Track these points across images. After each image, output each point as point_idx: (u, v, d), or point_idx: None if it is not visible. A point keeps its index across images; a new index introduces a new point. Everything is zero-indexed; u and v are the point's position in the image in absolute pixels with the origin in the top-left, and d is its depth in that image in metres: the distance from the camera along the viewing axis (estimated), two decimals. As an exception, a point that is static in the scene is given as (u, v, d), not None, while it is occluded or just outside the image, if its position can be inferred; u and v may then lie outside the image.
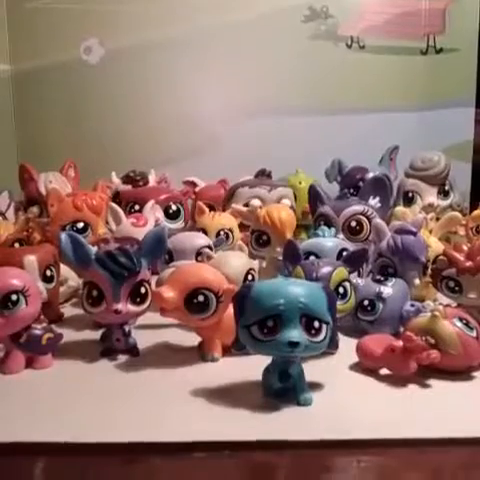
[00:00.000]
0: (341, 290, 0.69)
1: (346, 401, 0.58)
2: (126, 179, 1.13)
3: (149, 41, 1.32)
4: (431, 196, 1.07)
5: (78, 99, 1.33)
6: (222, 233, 0.93)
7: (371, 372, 0.63)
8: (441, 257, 0.75)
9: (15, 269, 0.67)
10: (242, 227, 0.96)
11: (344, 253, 0.76)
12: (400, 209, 0.93)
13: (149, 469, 0.49)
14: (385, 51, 1.35)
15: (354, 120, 1.34)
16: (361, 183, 1.02)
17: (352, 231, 0.89)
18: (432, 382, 0.60)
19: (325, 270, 0.68)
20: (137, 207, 1.00)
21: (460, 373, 0.61)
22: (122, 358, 0.69)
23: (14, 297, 0.63)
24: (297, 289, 0.56)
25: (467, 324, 0.62)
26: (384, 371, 0.62)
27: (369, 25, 1.35)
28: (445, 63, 1.36)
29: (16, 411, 0.57)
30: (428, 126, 1.35)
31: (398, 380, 0.61)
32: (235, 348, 0.60)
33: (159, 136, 1.33)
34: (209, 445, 0.51)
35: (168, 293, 0.64)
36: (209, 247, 0.82)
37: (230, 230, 0.94)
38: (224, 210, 1.02)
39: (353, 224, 0.89)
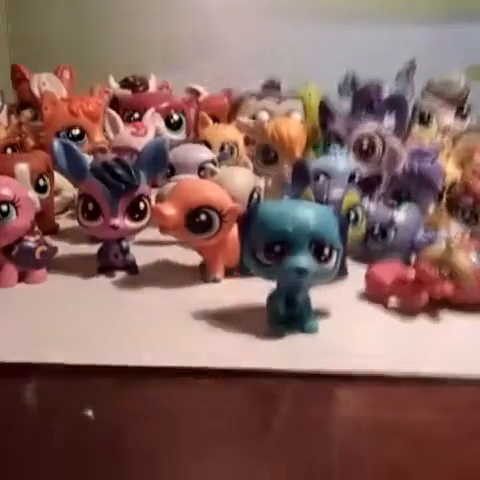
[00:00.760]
0: (352, 215, 0.65)
1: (353, 331, 0.56)
2: (125, 84, 1.08)
3: None
4: (448, 118, 1.01)
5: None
6: (226, 147, 0.89)
7: (380, 301, 0.60)
8: (458, 184, 0.71)
9: (5, 178, 0.63)
10: (248, 141, 0.91)
11: (357, 175, 0.71)
12: (418, 131, 0.88)
13: (144, 394, 0.47)
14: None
15: (370, 30, 1.26)
16: (376, 101, 0.97)
17: (364, 151, 0.84)
18: (443, 316, 0.58)
19: (336, 193, 0.64)
20: (136, 115, 0.96)
21: (472, 308, 0.59)
22: (120, 275, 0.66)
23: (4, 207, 0.60)
24: (307, 213, 0.52)
25: (483, 257, 0.59)
26: (393, 301, 0.60)
27: None
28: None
29: (8, 329, 0.55)
30: (450, 40, 1.26)
31: (407, 311, 0.58)
32: (239, 271, 0.57)
33: (161, 36, 1.25)
34: (208, 371, 0.49)
35: (169, 210, 0.60)
36: (213, 162, 0.78)
37: (235, 144, 0.91)
38: (229, 122, 0.97)
39: (366, 144, 0.84)
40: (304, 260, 0.51)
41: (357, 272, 0.63)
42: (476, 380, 0.48)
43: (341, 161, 0.75)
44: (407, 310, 0.58)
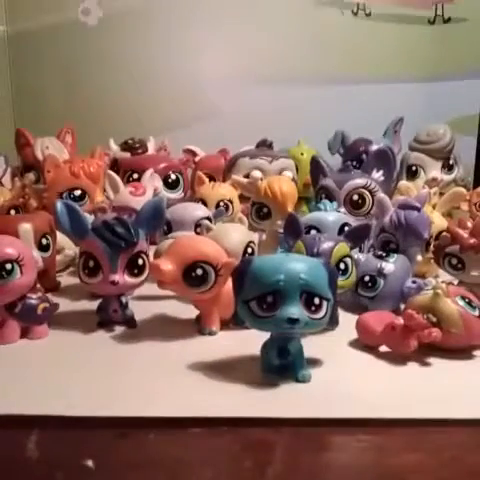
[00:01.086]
0: (342, 266, 0.68)
1: (345, 378, 0.57)
2: (124, 146, 1.11)
3: (150, 2, 1.28)
4: (435, 170, 1.05)
5: (76, 62, 1.30)
6: (222, 204, 0.92)
7: (371, 349, 0.62)
8: (444, 233, 0.74)
9: (9, 237, 0.65)
10: (242, 198, 0.94)
11: (346, 228, 0.74)
12: (404, 183, 0.91)
13: (143, 444, 0.48)
14: (391, 19, 1.32)
15: (359, 90, 1.32)
16: (364, 156, 1.01)
17: (354, 205, 0.88)
18: (432, 360, 0.60)
19: (326, 245, 0.67)
20: (135, 175, 0.99)
21: (461, 352, 0.61)
22: (119, 329, 0.68)
23: (8, 266, 0.62)
24: (297, 265, 0.54)
25: (469, 303, 0.61)
26: (384, 348, 0.62)
27: (376, -8, 1.31)
28: (453, 33, 1.33)
29: (10, 382, 0.56)
30: (434, 98, 1.32)
31: (398, 358, 0.60)
32: (234, 323, 0.59)
33: (159, 102, 1.31)
34: (206, 421, 0.50)
35: (166, 265, 0.63)
36: (208, 218, 0.81)
37: (230, 201, 0.93)
38: (224, 180, 1.01)
39: (355, 198, 0.88)
40: (295, 310, 0.53)
41: (348, 321, 0.65)
42: (467, 421, 0.50)
43: (331, 215, 0.78)
44: (398, 356, 0.60)
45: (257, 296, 0.54)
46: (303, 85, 1.31)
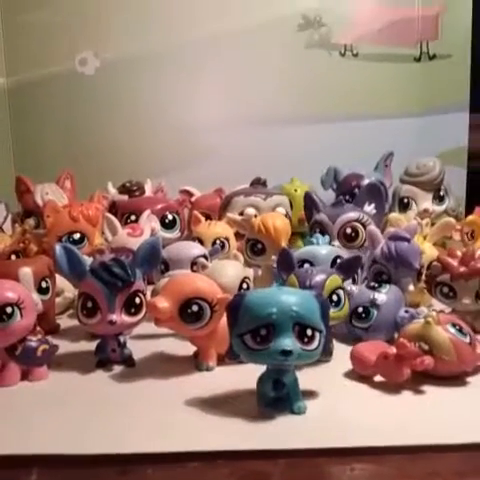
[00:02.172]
0: (335, 298, 0.69)
1: (340, 408, 0.58)
2: (122, 189, 1.13)
3: (144, 52, 1.33)
4: (426, 202, 1.07)
5: (74, 110, 1.34)
6: (218, 242, 0.93)
7: (365, 379, 0.63)
8: (435, 263, 0.75)
9: (10, 281, 0.67)
10: (238, 236, 0.96)
11: (338, 260, 0.76)
12: (394, 215, 0.94)
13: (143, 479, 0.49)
14: (378, 58, 1.36)
15: (349, 127, 1.35)
16: (357, 190, 1.03)
17: (348, 238, 0.89)
18: (426, 388, 0.61)
19: (318, 278, 0.68)
20: (133, 217, 1.01)
21: (454, 379, 0.61)
22: (117, 369, 0.69)
23: (9, 310, 0.63)
24: (289, 297, 0.56)
25: (460, 330, 0.62)
26: (378, 378, 0.62)
27: (362, 33, 1.35)
28: (439, 69, 1.36)
29: (12, 423, 0.57)
30: (422, 132, 1.35)
31: (392, 387, 0.61)
32: (229, 357, 0.60)
33: (155, 146, 1.34)
34: (204, 455, 0.51)
35: (162, 303, 0.64)
36: (204, 256, 0.83)
37: (226, 239, 0.95)
38: (220, 219, 1.02)
39: (348, 231, 0.89)
40: (289, 342, 0.54)
41: (343, 352, 0.66)
42: (461, 446, 0.50)
43: (323, 248, 0.79)
44: (392, 385, 0.61)
45: (251, 329, 0.55)
46: (295, 125, 1.34)
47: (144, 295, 0.70)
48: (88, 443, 0.53)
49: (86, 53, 1.32)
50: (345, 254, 0.79)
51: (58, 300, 0.84)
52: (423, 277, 0.78)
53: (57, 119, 1.34)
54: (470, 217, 0.99)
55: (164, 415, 0.58)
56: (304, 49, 1.35)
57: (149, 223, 0.94)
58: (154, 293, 0.77)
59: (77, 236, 0.92)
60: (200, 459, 0.51)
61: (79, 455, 0.51)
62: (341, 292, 0.70)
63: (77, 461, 0.51)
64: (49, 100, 1.33)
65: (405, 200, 1.08)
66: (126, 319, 0.67)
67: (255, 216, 0.92)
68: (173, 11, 1.32)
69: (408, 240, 0.77)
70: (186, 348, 0.70)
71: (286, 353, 0.54)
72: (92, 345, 0.71)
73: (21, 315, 0.64)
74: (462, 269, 0.72)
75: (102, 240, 0.92)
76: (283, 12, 1.33)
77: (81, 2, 1.31)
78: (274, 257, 0.82)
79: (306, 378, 0.59)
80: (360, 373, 0.63)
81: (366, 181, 1.04)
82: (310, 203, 0.95)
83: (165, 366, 0.69)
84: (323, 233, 0.87)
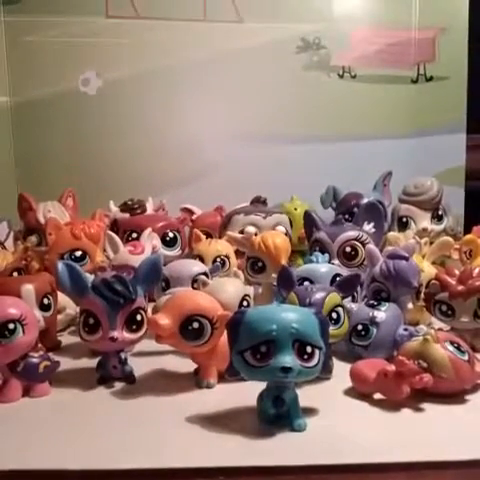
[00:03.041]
0: (334, 315, 0.70)
1: (340, 426, 0.58)
2: (124, 207, 1.14)
3: (146, 71, 1.35)
4: (425, 221, 1.08)
5: (76, 129, 1.35)
6: (218, 260, 0.94)
7: (365, 397, 0.63)
8: (433, 281, 0.76)
9: (12, 298, 0.67)
10: (239, 254, 0.97)
11: (338, 278, 0.77)
12: (393, 234, 0.94)
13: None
14: (376, 80, 1.38)
15: (348, 147, 1.36)
16: (356, 209, 1.04)
17: (347, 256, 0.90)
18: (425, 406, 0.61)
19: (318, 296, 0.69)
20: (135, 235, 1.01)
21: (453, 397, 0.62)
22: (118, 385, 0.69)
23: (11, 326, 0.63)
24: (289, 315, 0.57)
25: (459, 348, 0.62)
26: (378, 395, 0.63)
27: (360, 55, 1.38)
28: (436, 91, 1.39)
29: (13, 440, 0.57)
30: (420, 152, 1.37)
31: (392, 404, 0.61)
32: (229, 374, 0.60)
33: (156, 165, 1.35)
34: (204, 471, 0.51)
35: (163, 320, 0.65)
36: (205, 274, 0.83)
37: (226, 257, 0.95)
38: (220, 237, 1.03)
39: (348, 250, 0.90)
40: (288, 359, 0.55)
41: (343, 370, 0.66)
42: (461, 463, 0.51)
43: (323, 267, 0.80)
44: (391, 403, 0.61)
45: (251, 346, 0.56)
46: (295, 144, 1.36)
47: (145, 312, 0.70)
48: (89, 459, 0.53)
49: (89, 73, 1.34)
50: (344, 272, 0.80)
51: (60, 317, 0.85)
52: (422, 295, 0.79)
53: (60, 138, 1.35)
54: (468, 236, 0.99)
55: (164, 431, 0.58)
56: (303, 71, 1.37)
57: (150, 241, 0.95)
58: (155, 310, 0.77)
59: (79, 253, 0.92)
60: (201, 475, 0.51)
61: (80, 471, 0.52)
62: (341, 310, 0.71)
63: (78, 477, 0.51)
64: (52, 119, 1.34)
65: (404, 219, 1.09)
66: (127, 336, 0.68)
67: (255, 234, 0.93)
68: (174, 31, 1.34)
69: (406, 258, 0.78)
70: (187, 365, 0.70)
71: (286, 370, 0.54)
72: (93, 362, 0.72)
73: (23, 331, 0.64)
74: (460, 288, 0.73)
75: (103, 258, 0.93)
76: (283, 35, 1.36)
77: (83, 23, 1.33)
78: (274, 275, 0.83)
79: (306, 395, 0.60)
80: (360, 391, 0.64)
81: (365, 200, 1.06)
82: (310, 222, 0.96)
83: (166, 383, 0.69)
84: (323, 251, 0.88)
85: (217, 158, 1.36)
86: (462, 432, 0.56)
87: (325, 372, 0.59)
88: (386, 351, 0.71)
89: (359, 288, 0.81)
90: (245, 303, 0.78)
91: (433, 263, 0.89)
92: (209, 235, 1.07)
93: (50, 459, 0.53)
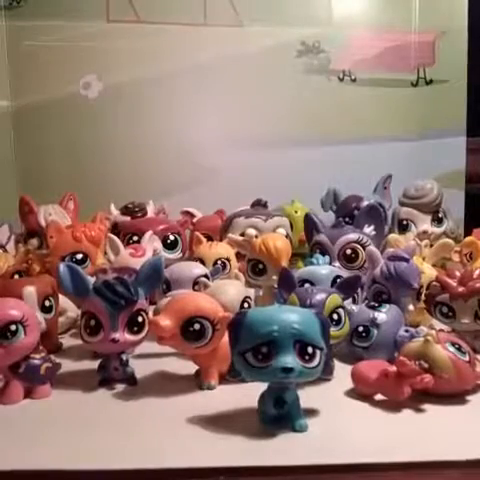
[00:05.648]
0: (335, 317, 0.70)
1: (341, 426, 0.58)
2: (125, 210, 1.14)
3: (146, 76, 1.36)
4: (425, 223, 1.09)
5: (77, 133, 1.36)
6: (219, 262, 0.94)
7: (366, 397, 0.63)
8: (434, 283, 0.76)
9: (14, 300, 0.68)
10: (239, 256, 0.97)
11: (338, 280, 0.77)
12: (393, 236, 0.95)
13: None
14: (376, 83, 1.39)
15: (348, 151, 1.37)
16: (356, 212, 1.04)
17: (348, 259, 0.90)
18: (426, 406, 0.61)
19: (319, 297, 0.69)
20: (135, 238, 1.01)
21: (454, 397, 0.62)
22: (120, 387, 0.69)
23: (13, 327, 0.64)
24: (290, 315, 0.57)
25: (459, 348, 0.62)
26: (379, 396, 0.63)
27: (360, 59, 1.39)
28: (435, 94, 1.40)
29: (14, 441, 0.57)
30: (421, 155, 1.38)
31: (393, 405, 0.61)
32: (230, 375, 0.61)
33: (157, 168, 1.36)
34: (205, 471, 0.51)
35: (164, 321, 0.65)
36: (206, 276, 0.84)
37: (227, 259, 0.95)
38: (221, 240, 1.03)
39: (348, 252, 0.91)
40: (289, 359, 0.55)
41: (344, 371, 0.66)
42: (462, 463, 0.51)
43: (323, 269, 0.80)
44: (392, 403, 0.61)
45: (252, 347, 0.56)
46: (295, 147, 1.36)
47: (146, 314, 0.70)
48: (90, 460, 0.53)
49: (90, 77, 1.35)
50: (345, 275, 0.80)
51: (61, 320, 0.85)
52: (422, 297, 0.79)
53: (61, 141, 1.36)
54: (468, 238, 0.99)
55: (166, 433, 0.58)
56: (304, 74, 1.38)
57: (151, 244, 0.95)
58: (156, 313, 0.77)
59: (80, 256, 0.92)
60: (202, 475, 0.51)
61: (81, 471, 0.52)
62: (341, 311, 0.71)
63: (79, 477, 0.51)
64: (53, 122, 1.35)
65: (404, 222, 1.09)
66: (128, 337, 0.68)
67: (256, 237, 0.93)
68: (175, 36, 1.35)
69: (407, 260, 0.78)
70: (188, 367, 0.70)
71: (287, 370, 0.54)
72: (94, 364, 0.72)
73: (25, 333, 0.64)
74: (461, 289, 0.73)
75: (104, 260, 0.93)
76: (283, 39, 1.37)
77: (85, 27, 1.34)
78: (275, 277, 0.83)
79: (307, 396, 0.60)
80: (361, 392, 0.64)
81: (365, 203, 1.06)
82: (310, 224, 0.97)
83: (167, 384, 0.69)
84: (323, 254, 0.88)
85: (217, 162, 1.36)
86: (462, 432, 0.57)
87: (326, 373, 0.60)
88: (387, 352, 0.71)
89: (360, 290, 0.81)
90: (246, 305, 0.78)
91: (434, 265, 0.89)
92: (210, 238, 1.07)
93: (51, 460, 0.53)
